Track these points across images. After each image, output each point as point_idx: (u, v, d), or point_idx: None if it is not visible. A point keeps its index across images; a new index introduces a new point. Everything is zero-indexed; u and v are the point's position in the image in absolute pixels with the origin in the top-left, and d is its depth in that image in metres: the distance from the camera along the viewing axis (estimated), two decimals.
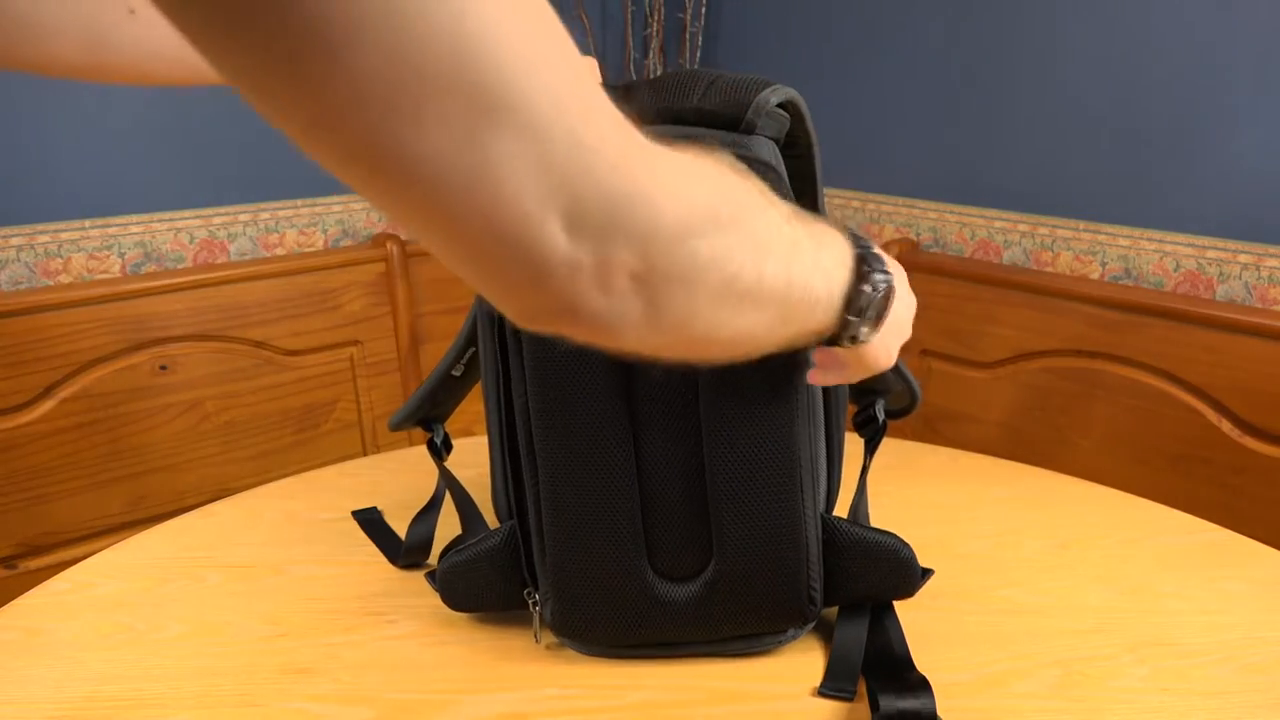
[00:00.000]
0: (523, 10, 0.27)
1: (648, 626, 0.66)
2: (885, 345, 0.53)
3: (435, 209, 0.28)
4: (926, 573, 0.68)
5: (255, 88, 0.25)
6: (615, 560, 0.64)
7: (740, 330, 0.39)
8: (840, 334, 0.48)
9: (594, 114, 0.30)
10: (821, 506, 0.66)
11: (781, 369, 0.60)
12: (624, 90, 0.61)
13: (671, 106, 0.59)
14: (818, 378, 0.59)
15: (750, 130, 0.58)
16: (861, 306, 0.47)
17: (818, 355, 0.58)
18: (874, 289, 0.47)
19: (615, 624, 0.66)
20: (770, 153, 0.60)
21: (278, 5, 0.22)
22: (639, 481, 0.63)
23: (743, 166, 0.39)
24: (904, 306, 0.55)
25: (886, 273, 0.48)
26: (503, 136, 0.27)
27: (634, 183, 0.31)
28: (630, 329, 0.34)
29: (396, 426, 0.79)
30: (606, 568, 0.64)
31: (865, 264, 0.47)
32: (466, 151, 0.26)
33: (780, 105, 0.60)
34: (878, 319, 0.49)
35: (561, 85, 0.28)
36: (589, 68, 0.30)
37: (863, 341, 0.49)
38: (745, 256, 0.37)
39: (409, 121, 0.25)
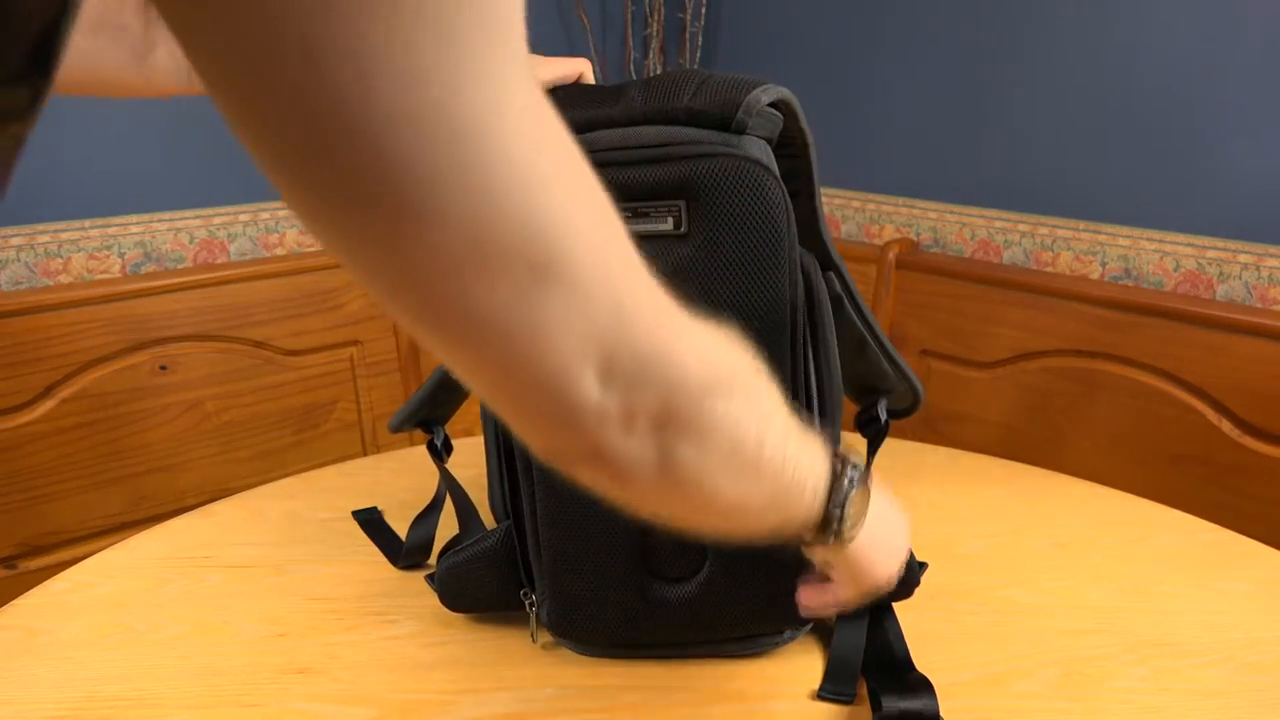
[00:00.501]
0: (578, 185, 0.30)
1: (643, 627, 0.66)
2: (875, 556, 0.54)
3: (485, 357, 0.31)
4: (921, 565, 0.68)
5: (349, 254, 0.28)
6: (610, 562, 0.64)
7: (738, 499, 0.41)
8: (825, 528, 0.49)
9: (634, 280, 0.33)
10: None
11: (777, 372, 0.60)
12: (617, 90, 0.61)
13: (663, 106, 0.59)
14: (812, 598, 0.59)
15: (741, 130, 0.58)
16: (841, 498, 0.48)
17: (809, 587, 0.60)
18: (851, 481, 0.49)
19: (611, 625, 0.66)
20: (762, 153, 0.59)
21: (374, 192, 0.25)
22: None
23: (749, 344, 0.42)
24: (891, 516, 0.56)
25: (861, 471, 0.50)
26: (555, 299, 0.29)
27: (664, 343, 0.34)
28: (643, 477, 0.37)
29: (396, 428, 0.79)
30: (602, 569, 0.64)
31: (841, 459, 0.49)
32: (521, 310, 0.29)
33: (773, 105, 0.60)
34: (858, 516, 0.50)
35: (611, 257, 0.31)
36: (620, 231, 0.33)
37: (847, 540, 0.50)
38: (751, 425, 0.40)
39: (474, 285, 0.28)
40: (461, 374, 0.32)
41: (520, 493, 0.65)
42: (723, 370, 0.38)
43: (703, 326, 0.38)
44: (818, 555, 0.55)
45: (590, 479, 0.37)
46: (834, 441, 0.68)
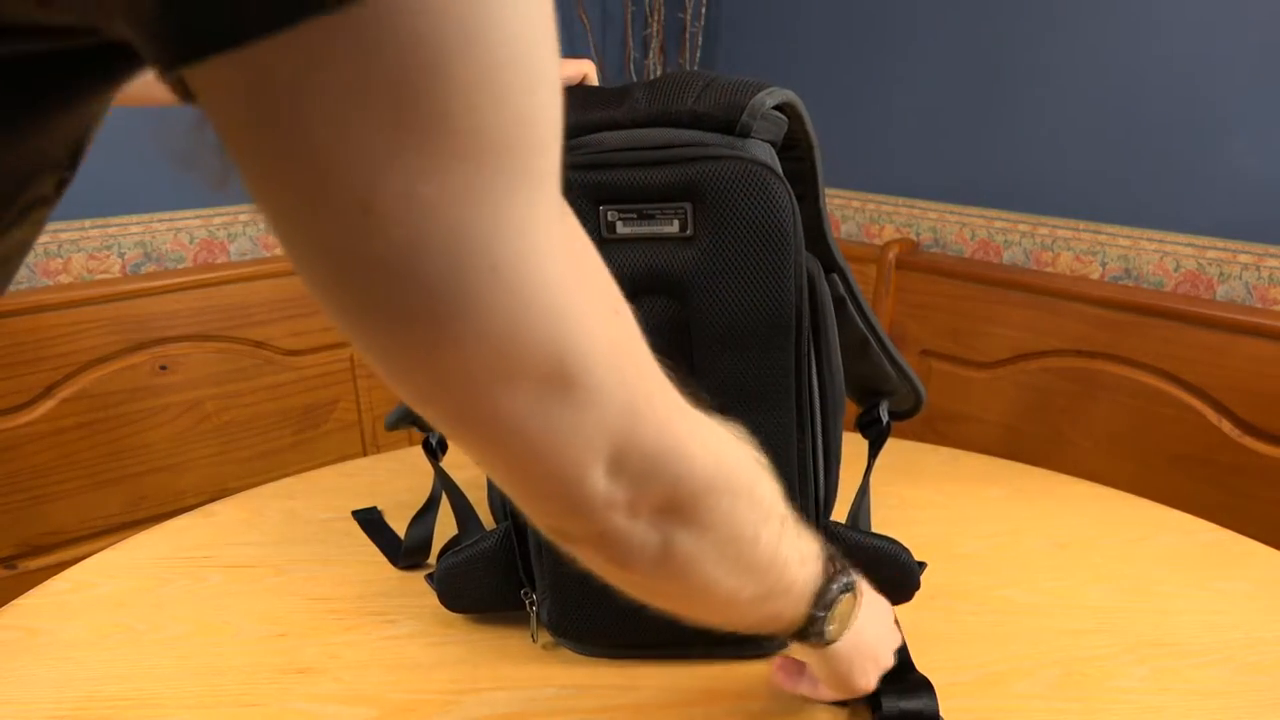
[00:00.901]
0: (601, 303, 0.32)
1: (644, 627, 0.66)
2: (856, 662, 0.55)
3: (501, 455, 0.33)
4: (921, 565, 0.68)
5: (382, 362, 0.30)
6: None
7: (730, 593, 0.43)
8: (808, 629, 0.50)
9: (648, 382, 0.35)
10: (819, 511, 0.66)
11: (780, 374, 0.60)
12: (621, 92, 0.61)
13: (667, 109, 0.59)
14: (785, 680, 0.61)
15: (745, 133, 0.58)
16: (828, 601, 0.49)
17: (787, 665, 0.61)
18: (840, 588, 0.50)
19: (612, 625, 0.66)
20: (766, 156, 0.59)
21: (413, 314, 0.27)
22: None
23: (752, 439, 0.43)
24: (879, 628, 0.57)
25: (851, 579, 0.51)
26: (571, 406, 0.31)
27: (674, 439, 0.36)
28: (643, 561, 0.39)
29: (392, 426, 0.79)
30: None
31: (834, 563, 0.50)
32: (539, 416, 0.31)
33: (777, 108, 0.60)
34: (843, 623, 0.51)
35: (627, 363, 0.33)
36: (635, 336, 0.35)
37: (829, 641, 0.51)
38: (749, 522, 0.41)
39: (498, 396, 0.30)
40: (478, 463, 0.35)
41: None
42: (727, 468, 0.39)
43: (711, 423, 0.40)
44: (799, 653, 0.56)
45: (591, 559, 0.40)
46: (835, 451, 0.68)
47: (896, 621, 0.62)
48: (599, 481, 0.34)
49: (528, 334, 0.29)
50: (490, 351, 0.28)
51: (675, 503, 0.37)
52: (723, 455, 0.39)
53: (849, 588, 0.51)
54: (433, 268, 0.26)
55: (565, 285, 0.29)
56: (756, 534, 0.42)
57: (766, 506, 0.43)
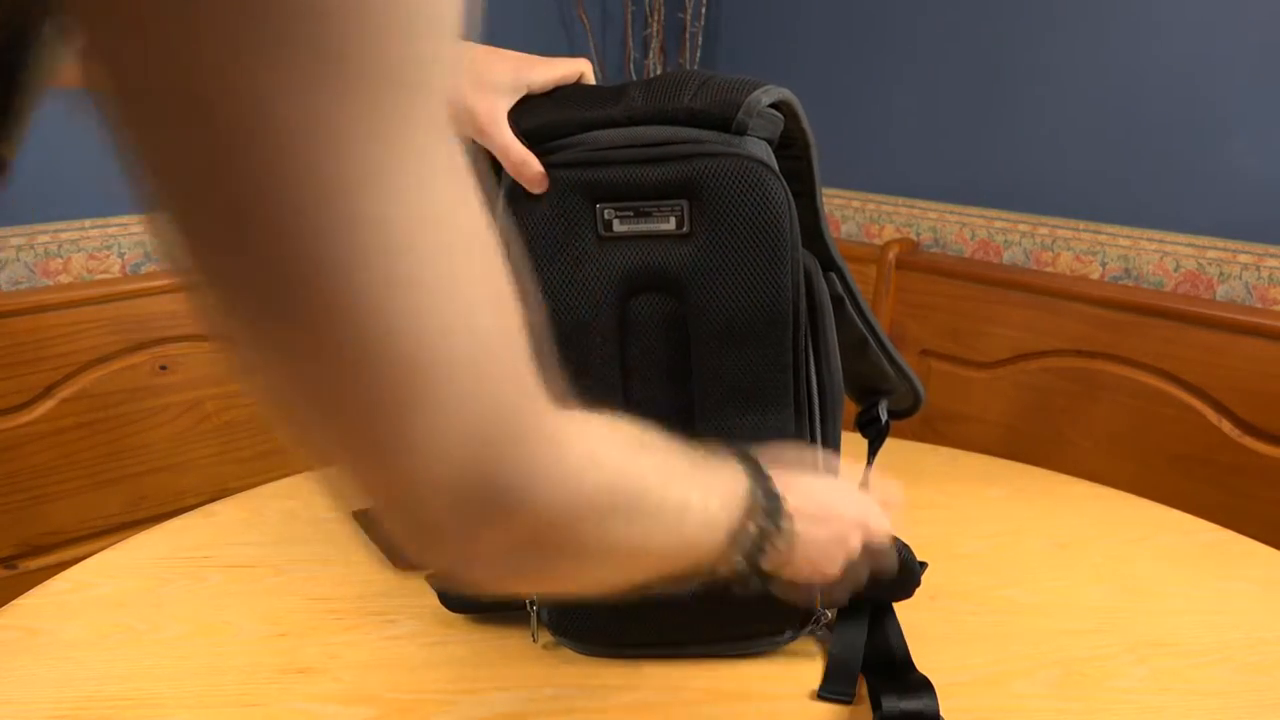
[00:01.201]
0: (478, 284, 0.28)
1: (644, 626, 0.66)
2: (808, 569, 0.53)
3: (345, 463, 0.30)
4: (922, 565, 0.68)
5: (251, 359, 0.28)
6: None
7: (626, 579, 0.41)
8: (723, 564, 0.48)
9: (512, 398, 0.31)
10: None
11: (778, 373, 0.60)
12: (618, 90, 0.61)
13: (664, 107, 0.59)
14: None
15: (742, 131, 0.58)
16: (747, 547, 0.47)
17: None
18: (760, 527, 0.47)
19: (612, 624, 0.66)
20: (764, 153, 0.59)
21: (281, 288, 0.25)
22: None
23: (651, 429, 0.41)
24: (823, 529, 0.53)
25: (779, 509, 0.48)
26: (410, 422, 0.28)
27: (533, 473, 0.32)
28: (490, 585, 0.36)
29: None
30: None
31: (758, 500, 0.47)
32: (383, 427, 0.28)
33: (774, 106, 0.60)
34: (776, 560, 0.49)
35: (493, 374, 0.29)
36: (513, 349, 0.31)
37: (768, 572, 0.49)
38: (632, 533, 0.38)
39: (339, 396, 0.27)
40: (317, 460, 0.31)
41: None
42: (600, 488, 0.36)
43: (587, 426, 0.36)
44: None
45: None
46: (834, 450, 0.68)
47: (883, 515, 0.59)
48: (443, 512, 0.31)
49: (370, 318, 0.26)
50: (326, 325, 0.25)
51: (536, 539, 0.34)
52: (596, 476, 0.36)
53: (771, 526, 0.48)
54: (278, 201, 0.23)
55: (434, 261, 0.26)
56: (645, 540, 0.40)
57: (655, 504, 0.40)
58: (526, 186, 0.59)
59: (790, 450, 0.54)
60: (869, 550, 0.57)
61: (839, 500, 0.55)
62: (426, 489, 0.30)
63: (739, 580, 0.48)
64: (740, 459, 0.48)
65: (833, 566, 0.54)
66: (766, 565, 0.48)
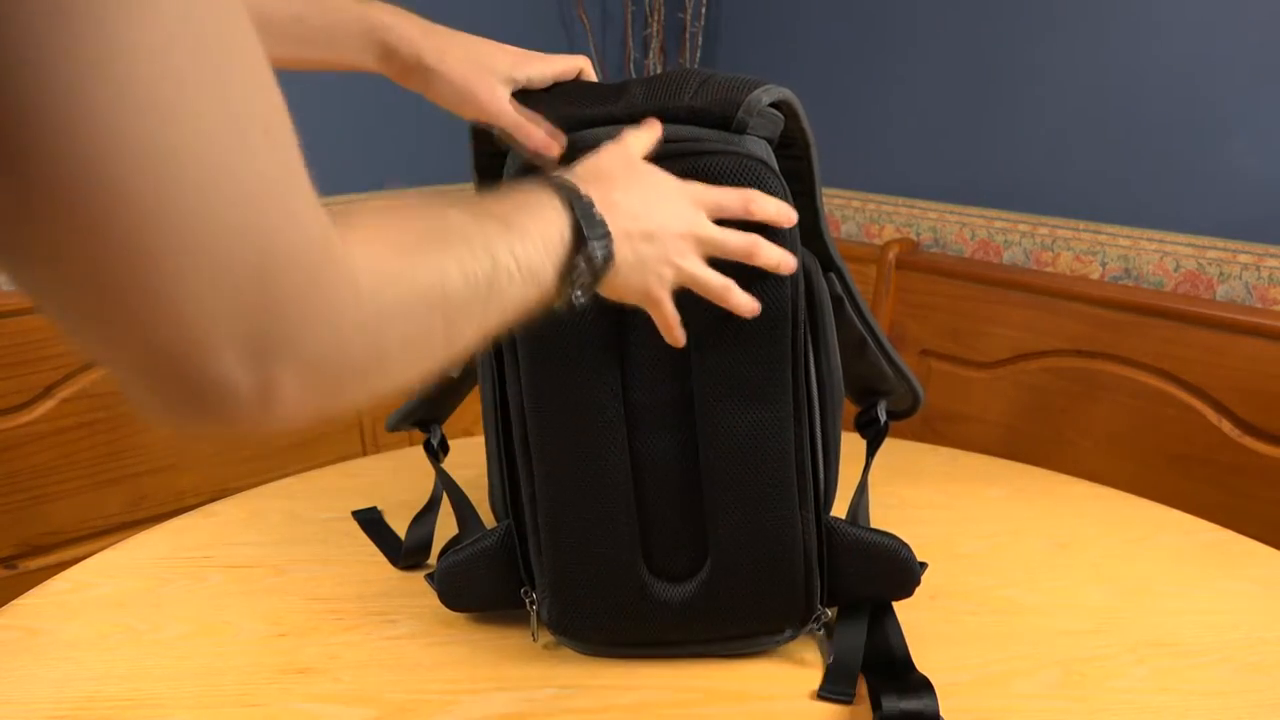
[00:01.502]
0: (238, 112, 0.25)
1: (644, 625, 0.66)
2: (639, 289, 0.52)
3: (82, 308, 0.26)
4: (922, 565, 0.68)
5: None
6: (611, 559, 0.64)
7: (439, 366, 0.40)
8: (557, 300, 0.47)
9: (283, 231, 0.28)
10: (818, 507, 0.66)
11: (777, 369, 0.60)
12: (619, 88, 0.61)
13: (664, 105, 0.59)
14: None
15: (742, 130, 0.58)
16: (575, 280, 0.46)
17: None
18: (588, 259, 0.46)
19: (612, 623, 0.66)
20: (763, 153, 0.59)
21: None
22: (634, 482, 0.63)
23: (443, 198, 0.40)
24: (650, 251, 0.51)
25: (605, 235, 0.47)
26: (177, 267, 0.25)
27: (325, 308, 0.30)
28: (301, 424, 0.33)
29: (394, 427, 0.79)
30: (603, 567, 0.64)
31: (582, 233, 0.46)
32: (128, 271, 0.25)
33: (774, 105, 0.60)
34: (597, 278, 0.48)
35: (269, 211, 0.27)
36: (296, 155, 0.28)
37: (589, 293, 0.48)
38: (444, 328, 0.38)
39: (65, 221, 0.24)
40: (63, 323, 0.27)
41: (521, 491, 0.65)
42: (401, 300, 0.35)
43: (374, 244, 0.34)
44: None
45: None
46: (834, 449, 0.68)
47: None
48: (234, 365, 0.28)
49: (115, 143, 0.22)
50: (60, 158, 0.22)
51: (341, 364, 0.32)
52: (397, 283, 0.34)
53: (599, 253, 0.46)
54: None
55: (180, 83, 0.23)
56: (463, 328, 0.39)
57: (467, 294, 0.38)
58: (543, 153, 0.60)
59: (610, 153, 0.53)
60: (706, 250, 0.54)
61: (665, 215, 0.52)
62: (211, 341, 0.27)
63: (570, 304, 0.47)
64: (557, 187, 0.47)
65: (662, 287, 0.53)
66: (597, 289, 0.48)
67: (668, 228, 0.52)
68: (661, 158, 0.57)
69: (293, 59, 0.62)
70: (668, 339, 0.57)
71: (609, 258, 0.47)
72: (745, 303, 0.56)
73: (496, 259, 0.41)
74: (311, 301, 0.29)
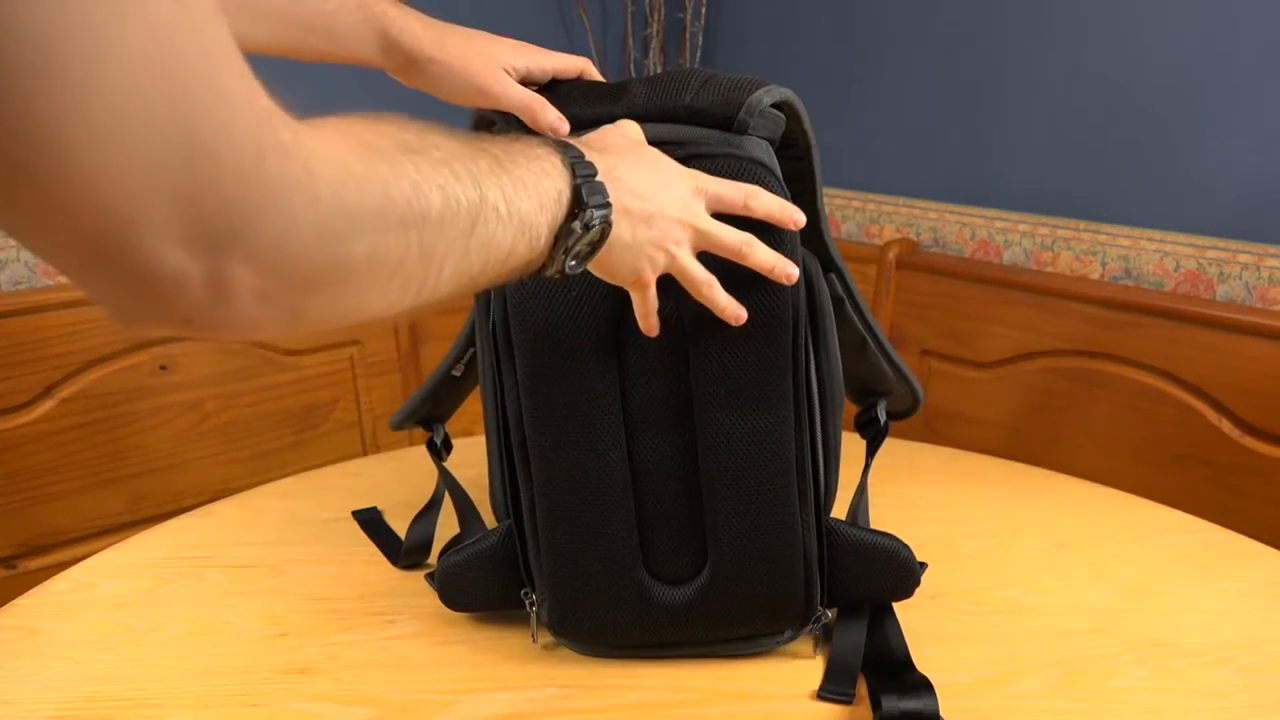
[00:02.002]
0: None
1: (644, 628, 0.66)
2: (626, 271, 0.50)
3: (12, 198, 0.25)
4: (922, 565, 0.68)
5: None
6: (610, 563, 0.64)
7: (415, 300, 0.37)
8: (549, 267, 0.45)
9: (223, 105, 0.26)
10: (819, 509, 0.66)
11: (777, 374, 0.60)
12: (620, 87, 0.61)
13: (665, 104, 0.59)
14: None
15: (743, 130, 0.58)
16: (571, 246, 0.44)
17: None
18: (585, 225, 0.44)
19: (612, 625, 0.66)
20: (764, 153, 0.59)
21: None
22: (633, 485, 0.63)
23: (425, 123, 0.37)
24: (644, 233, 0.49)
25: (605, 205, 0.45)
26: (90, 126, 0.23)
27: (274, 197, 0.28)
28: (262, 332, 0.32)
29: (398, 426, 0.79)
30: (602, 570, 0.64)
31: (582, 197, 0.44)
32: (43, 147, 0.23)
33: (775, 106, 0.60)
34: (593, 251, 0.46)
35: (185, 77, 0.25)
36: (208, 34, 0.26)
37: (583, 263, 0.46)
38: (411, 246, 0.35)
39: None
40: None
41: (521, 493, 0.65)
42: (359, 204, 0.31)
43: (338, 141, 0.32)
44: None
45: (185, 335, 0.31)
46: (834, 449, 0.68)
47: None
48: (178, 254, 0.26)
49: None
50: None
51: (280, 278, 0.29)
52: (360, 184, 0.31)
53: (597, 219, 0.44)
54: None
55: None
56: (436, 250, 0.36)
57: (439, 211, 0.35)
58: (546, 130, 0.60)
59: (614, 130, 0.53)
60: (699, 242, 0.52)
61: (666, 198, 0.50)
62: (142, 226, 0.25)
63: (563, 274, 0.45)
64: (561, 147, 0.45)
65: (653, 270, 0.51)
66: (585, 258, 0.46)
67: (666, 211, 0.50)
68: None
69: (291, 46, 0.61)
70: (642, 325, 0.56)
71: (607, 229, 0.46)
72: (728, 305, 0.55)
73: (485, 193, 0.38)
74: (255, 189, 0.27)
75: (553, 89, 0.64)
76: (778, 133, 0.61)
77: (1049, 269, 1.46)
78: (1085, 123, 1.38)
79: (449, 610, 0.71)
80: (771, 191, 0.57)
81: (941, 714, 0.61)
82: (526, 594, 0.68)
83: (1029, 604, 0.75)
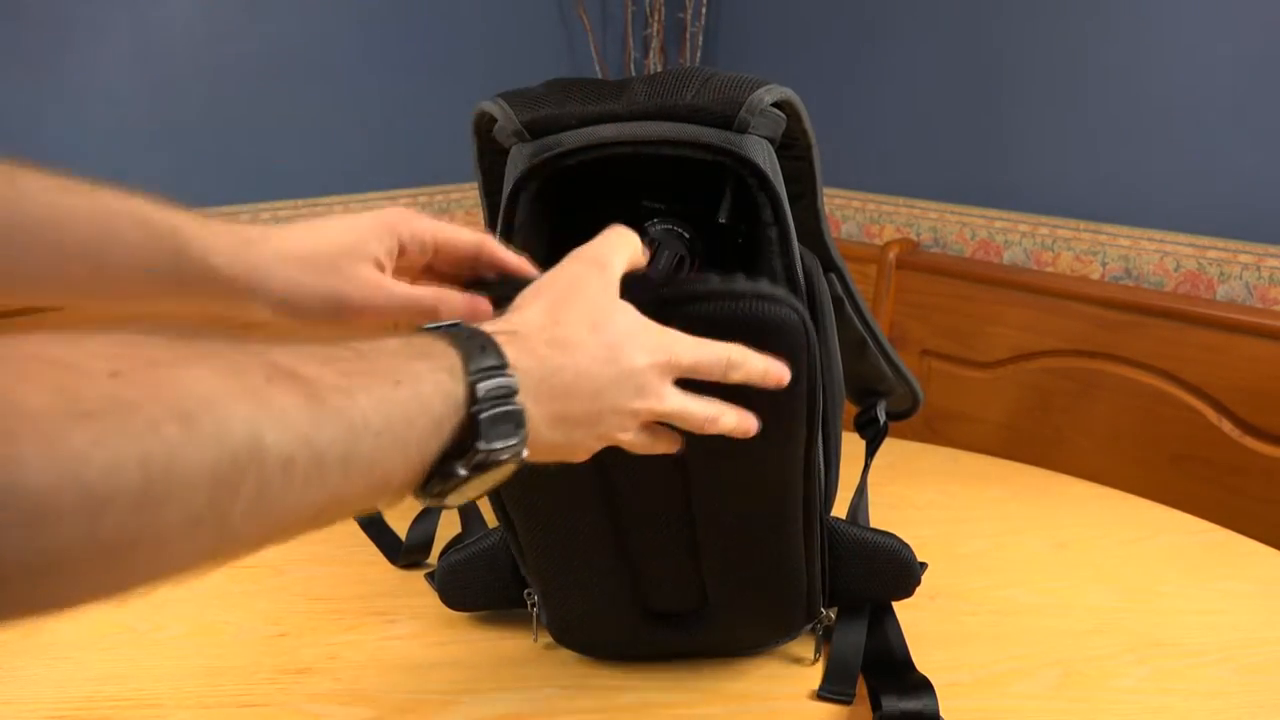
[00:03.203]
0: None
1: (646, 645, 0.66)
2: (563, 454, 0.40)
3: None
4: (922, 565, 0.68)
5: None
6: (604, 604, 0.63)
7: (243, 552, 0.29)
8: (421, 497, 0.34)
9: None
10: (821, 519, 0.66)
11: (788, 422, 0.56)
12: (620, 86, 0.61)
13: (666, 103, 0.58)
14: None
15: (743, 129, 0.58)
16: (450, 488, 0.33)
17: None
18: (475, 467, 0.33)
19: (613, 645, 0.66)
20: (764, 153, 0.59)
21: None
22: (620, 539, 0.61)
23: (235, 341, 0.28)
24: (579, 410, 0.39)
25: (513, 437, 0.34)
26: None
27: (17, 474, 0.22)
28: (57, 603, 0.25)
29: None
30: (596, 609, 0.63)
31: (475, 428, 0.33)
32: None
33: (776, 105, 0.59)
34: (499, 464, 0.34)
35: None
36: None
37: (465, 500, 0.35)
38: (247, 504, 0.27)
39: None
40: None
41: (508, 530, 0.63)
42: (87, 475, 0.24)
43: (90, 368, 0.25)
44: None
45: None
46: (835, 450, 0.68)
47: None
48: None
49: None
50: None
51: (67, 545, 0.24)
52: (95, 446, 0.24)
53: (504, 453, 0.33)
54: None
55: None
56: (267, 507, 0.27)
57: (267, 464, 0.27)
58: (448, 319, 0.44)
59: (569, 281, 0.41)
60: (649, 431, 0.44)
61: (615, 394, 0.40)
62: None
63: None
64: (463, 352, 0.34)
65: (582, 454, 0.42)
66: (503, 465, 0.35)
67: (619, 404, 0.40)
68: (689, 300, 0.49)
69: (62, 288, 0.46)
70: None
71: (516, 461, 0.35)
72: (736, 426, 0.46)
73: (260, 438, 0.27)
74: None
75: (552, 88, 0.63)
76: (778, 132, 0.61)
77: (1049, 269, 1.46)
78: (1085, 122, 1.38)
79: (449, 610, 0.71)
80: (768, 194, 0.56)
81: (941, 714, 0.61)
82: (528, 594, 0.68)
83: (1029, 604, 0.75)
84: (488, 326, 0.37)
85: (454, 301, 0.48)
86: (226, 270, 0.46)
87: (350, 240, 0.48)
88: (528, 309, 0.40)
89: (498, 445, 0.34)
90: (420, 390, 0.32)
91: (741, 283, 0.51)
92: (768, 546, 0.61)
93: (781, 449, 0.56)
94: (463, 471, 0.33)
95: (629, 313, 0.42)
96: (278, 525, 0.29)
